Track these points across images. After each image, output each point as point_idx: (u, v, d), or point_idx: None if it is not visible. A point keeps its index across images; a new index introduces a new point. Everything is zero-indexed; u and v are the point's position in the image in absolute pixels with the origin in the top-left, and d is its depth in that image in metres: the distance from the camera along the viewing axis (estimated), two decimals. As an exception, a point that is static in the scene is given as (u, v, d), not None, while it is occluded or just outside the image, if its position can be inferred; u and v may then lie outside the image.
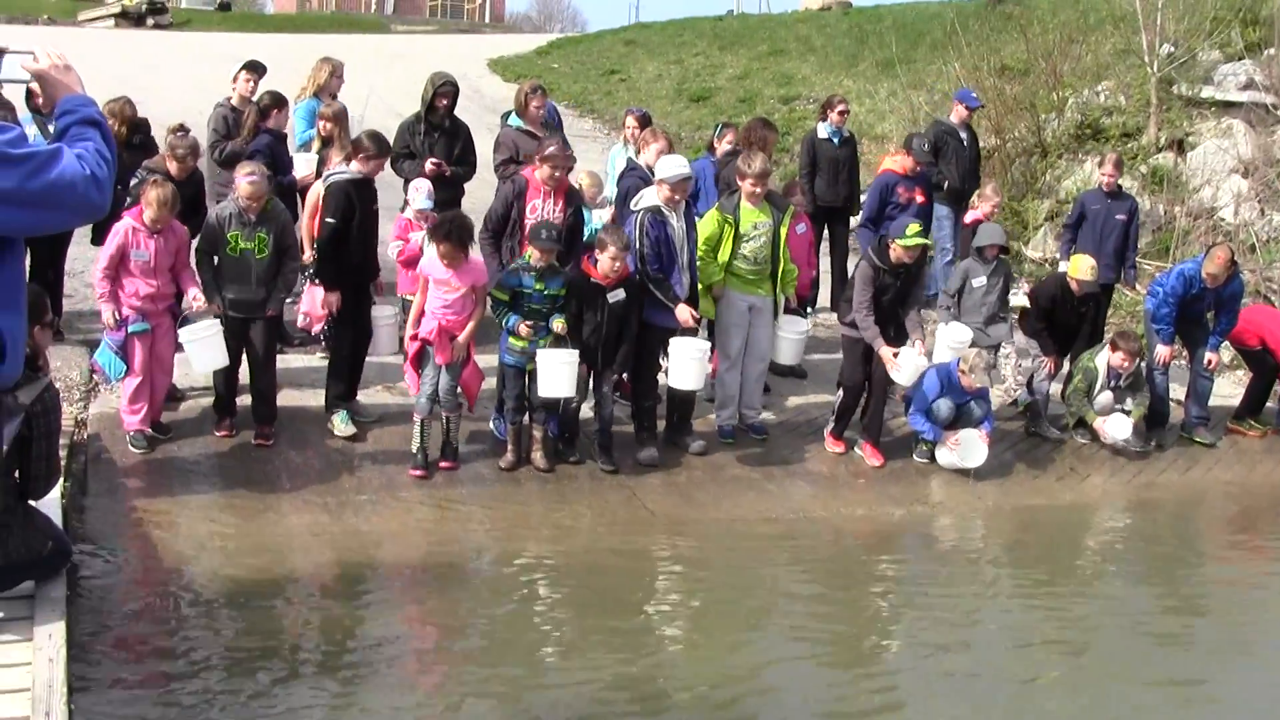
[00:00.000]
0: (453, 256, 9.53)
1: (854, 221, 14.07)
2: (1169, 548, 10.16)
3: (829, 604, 8.43)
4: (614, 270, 9.78)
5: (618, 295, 9.94)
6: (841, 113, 14.10)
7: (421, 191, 10.84)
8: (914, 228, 10.68)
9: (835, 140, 14.03)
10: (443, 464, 9.78)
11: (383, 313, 10.45)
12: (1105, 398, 11.53)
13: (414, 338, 9.71)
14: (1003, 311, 11.72)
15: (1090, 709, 7.09)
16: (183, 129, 10.76)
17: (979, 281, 11.55)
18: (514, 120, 11.99)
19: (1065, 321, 11.79)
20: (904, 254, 10.63)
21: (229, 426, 9.86)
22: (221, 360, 9.59)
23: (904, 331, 10.82)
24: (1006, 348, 11.57)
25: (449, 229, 9.61)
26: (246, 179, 9.48)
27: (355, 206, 9.93)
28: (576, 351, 9.71)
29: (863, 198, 13.63)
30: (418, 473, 9.68)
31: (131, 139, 10.95)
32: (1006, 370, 11.40)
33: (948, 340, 11.25)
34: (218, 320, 9.54)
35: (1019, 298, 11.91)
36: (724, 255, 10.47)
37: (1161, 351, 11.81)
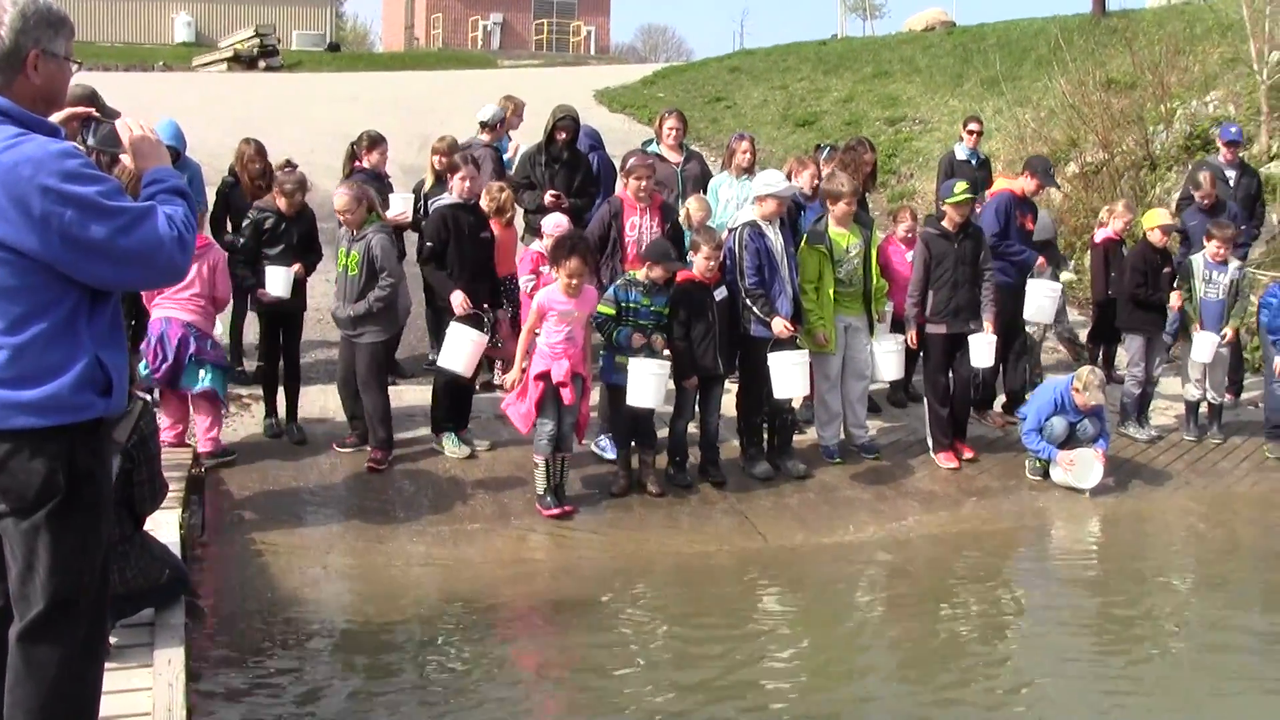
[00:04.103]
0: (583, 275, 9.47)
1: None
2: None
3: (940, 627, 8.34)
4: (711, 268, 9.91)
5: (721, 293, 10.08)
6: (970, 132, 14.08)
7: (560, 225, 10.81)
8: (962, 185, 11.06)
9: (973, 162, 14.03)
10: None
11: (478, 337, 10.03)
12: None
13: (537, 379, 9.48)
14: None
15: None
16: (289, 164, 10.97)
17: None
18: (653, 146, 12.12)
19: (1158, 295, 11.90)
20: (955, 214, 10.94)
21: (353, 444, 10.25)
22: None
23: (976, 311, 11.05)
24: None
25: (574, 243, 9.59)
26: (336, 192, 9.96)
27: (451, 232, 10.11)
28: (668, 364, 9.76)
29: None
30: (554, 511, 9.59)
31: (256, 184, 11.21)
32: None
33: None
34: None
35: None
36: (828, 287, 10.54)
37: (1279, 362, 11.64)
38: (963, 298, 10.96)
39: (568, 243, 9.58)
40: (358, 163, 11.86)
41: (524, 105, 13.32)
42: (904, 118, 24.24)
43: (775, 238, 10.26)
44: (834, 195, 10.68)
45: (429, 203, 11.22)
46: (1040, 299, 11.72)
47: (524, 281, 10.84)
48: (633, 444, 10.12)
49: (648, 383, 9.60)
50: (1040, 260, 11.85)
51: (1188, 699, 7.22)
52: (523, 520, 9.53)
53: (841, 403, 11.01)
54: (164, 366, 9.41)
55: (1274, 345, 11.73)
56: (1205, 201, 12.81)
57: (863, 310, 10.91)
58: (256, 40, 41.95)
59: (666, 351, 9.91)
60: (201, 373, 9.51)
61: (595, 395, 10.29)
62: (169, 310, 9.47)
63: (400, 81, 34.28)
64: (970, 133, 14.19)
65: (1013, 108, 21.36)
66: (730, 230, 10.42)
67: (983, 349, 10.98)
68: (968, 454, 11.26)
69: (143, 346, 9.51)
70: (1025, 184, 12.06)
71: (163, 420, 9.54)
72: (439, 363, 10.03)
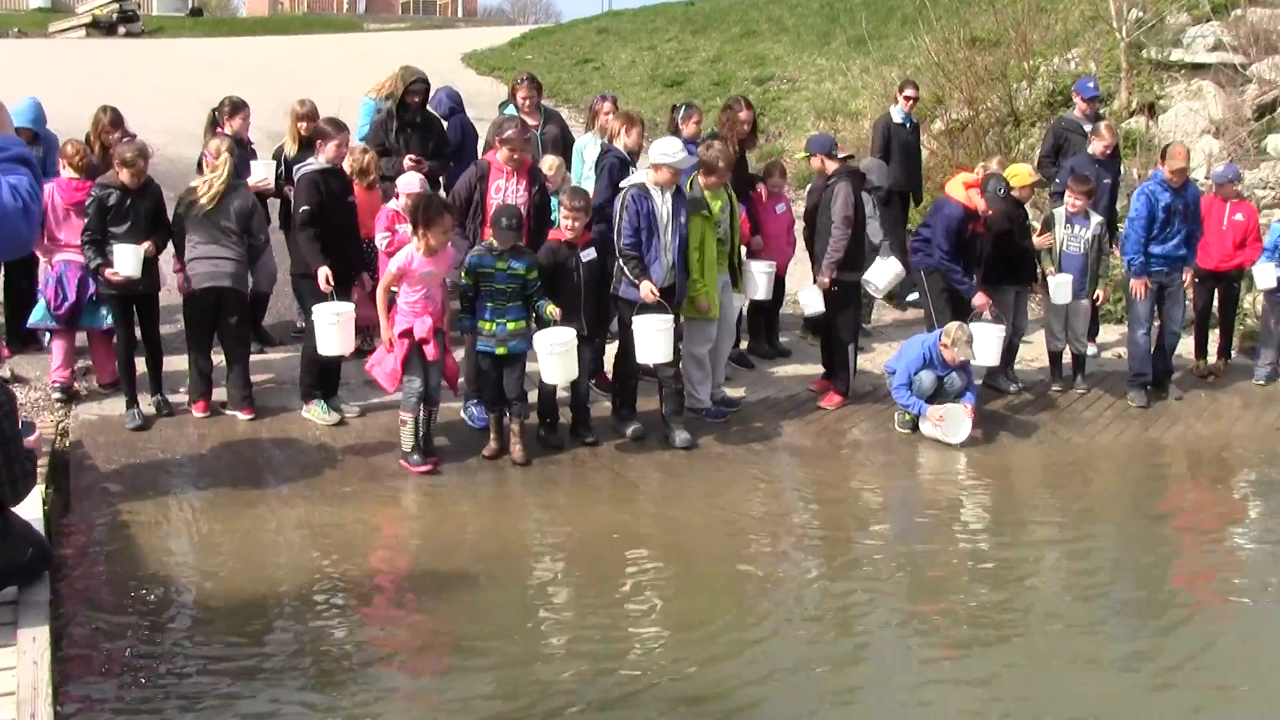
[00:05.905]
0: (442, 238, 9.44)
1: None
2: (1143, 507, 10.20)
3: (815, 576, 8.43)
4: (571, 226, 9.92)
5: (589, 254, 10.06)
6: (907, 97, 14.14)
7: (414, 185, 10.71)
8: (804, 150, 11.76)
9: (907, 125, 14.11)
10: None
11: (342, 309, 9.86)
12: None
13: (401, 337, 9.52)
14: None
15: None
16: (127, 134, 10.72)
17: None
18: (510, 109, 12.15)
19: (1020, 242, 12.10)
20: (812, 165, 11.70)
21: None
22: None
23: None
24: None
25: (434, 206, 9.57)
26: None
27: (322, 197, 10.01)
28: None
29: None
30: (424, 468, 9.62)
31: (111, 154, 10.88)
32: None
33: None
34: None
35: None
36: (711, 252, 10.62)
37: (1135, 285, 12.03)
38: (814, 245, 11.58)
39: (432, 206, 9.56)
40: (219, 129, 11.60)
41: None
42: (772, 77, 24.28)
43: (662, 203, 10.20)
44: (709, 168, 10.66)
45: (294, 169, 11.01)
46: (986, 343, 11.31)
47: (380, 239, 10.72)
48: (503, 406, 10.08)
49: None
50: (982, 301, 11.51)
51: (1052, 656, 7.38)
52: (395, 483, 9.50)
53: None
54: (65, 305, 10.02)
55: (1128, 266, 12.08)
56: (1106, 151, 12.93)
57: (726, 268, 11.04)
58: (115, 6, 41.00)
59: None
60: (103, 310, 10.11)
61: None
62: (69, 255, 10.09)
63: (264, 47, 33.77)
64: (907, 98, 14.26)
65: (879, 66, 21.52)
66: (621, 189, 10.38)
67: (809, 297, 11.41)
68: (825, 401, 11.61)
69: (41, 287, 10.18)
70: (977, 202, 11.71)
71: (55, 360, 10.24)
72: (320, 352, 9.85)
